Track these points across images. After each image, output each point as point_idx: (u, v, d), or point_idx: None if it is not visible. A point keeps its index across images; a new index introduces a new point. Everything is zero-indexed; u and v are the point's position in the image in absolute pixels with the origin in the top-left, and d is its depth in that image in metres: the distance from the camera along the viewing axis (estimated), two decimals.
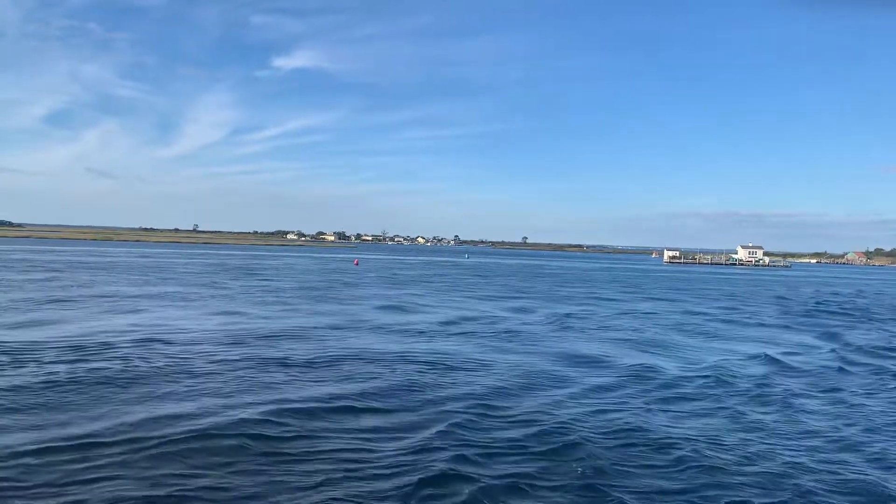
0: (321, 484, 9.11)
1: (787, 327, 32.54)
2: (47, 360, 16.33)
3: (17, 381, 13.96)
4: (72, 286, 37.90)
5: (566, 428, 12.18)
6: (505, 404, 14.01)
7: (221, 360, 17.39)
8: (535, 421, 12.76)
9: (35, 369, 15.22)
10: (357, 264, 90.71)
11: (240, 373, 15.99)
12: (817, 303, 50.12)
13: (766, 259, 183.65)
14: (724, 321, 34.16)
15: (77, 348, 17.97)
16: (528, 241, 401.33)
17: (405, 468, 9.80)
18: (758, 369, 19.67)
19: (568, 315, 33.37)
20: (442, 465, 9.82)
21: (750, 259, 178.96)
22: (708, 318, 35.63)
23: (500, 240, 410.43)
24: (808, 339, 27.92)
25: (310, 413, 12.53)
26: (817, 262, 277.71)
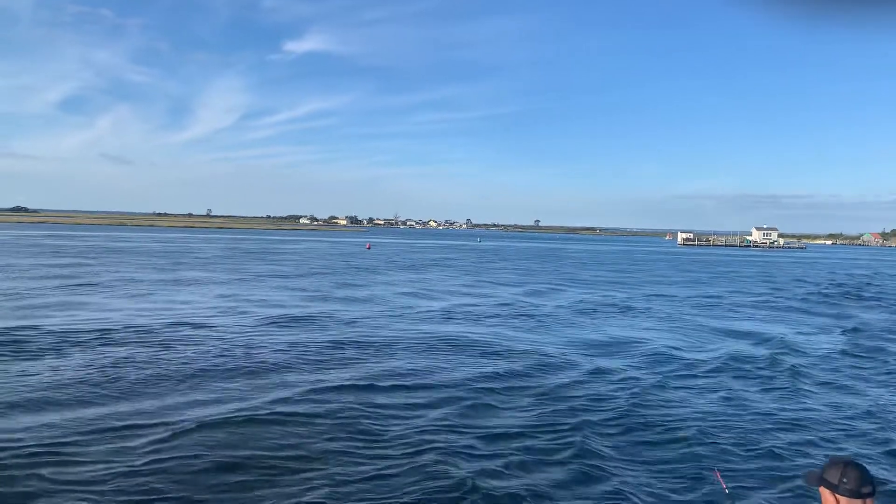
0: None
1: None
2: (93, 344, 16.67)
3: (62, 366, 14.29)
4: (103, 272, 38.41)
5: None
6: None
7: (272, 344, 17.67)
8: None
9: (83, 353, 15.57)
10: (369, 248, 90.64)
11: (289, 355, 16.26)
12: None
13: (781, 241, 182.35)
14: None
15: (111, 331, 18.32)
16: (540, 223, 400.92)
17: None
18: None
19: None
20: None
21: (765, 241, 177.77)
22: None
23: (512, 223, 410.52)
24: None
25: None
26: (832, 243, 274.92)
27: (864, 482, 3.36)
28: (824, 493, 3.48)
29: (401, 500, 8.03)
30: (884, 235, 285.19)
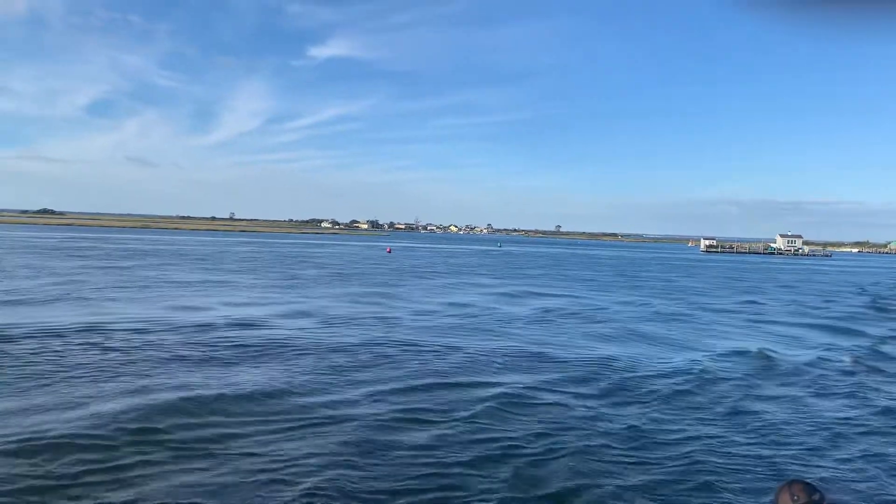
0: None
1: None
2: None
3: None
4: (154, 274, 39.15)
5: None
6: None
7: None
8: None
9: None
10: (389, 252, 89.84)
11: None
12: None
13: (806, 248, 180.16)
14: None
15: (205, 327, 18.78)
16: (561, 229, 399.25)
17: None
18: None
19: None
20: None
21: (789, 248, 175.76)
22: None
23: (532, 228, 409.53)
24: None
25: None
26: (859, 251, 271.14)
27: (812, 490, 3.57)
28: None
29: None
30: None
